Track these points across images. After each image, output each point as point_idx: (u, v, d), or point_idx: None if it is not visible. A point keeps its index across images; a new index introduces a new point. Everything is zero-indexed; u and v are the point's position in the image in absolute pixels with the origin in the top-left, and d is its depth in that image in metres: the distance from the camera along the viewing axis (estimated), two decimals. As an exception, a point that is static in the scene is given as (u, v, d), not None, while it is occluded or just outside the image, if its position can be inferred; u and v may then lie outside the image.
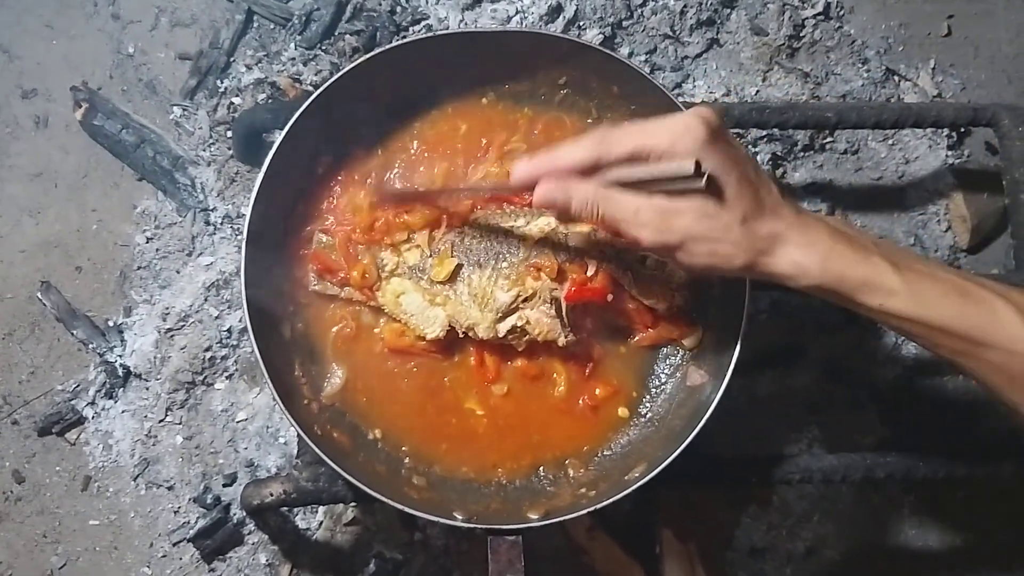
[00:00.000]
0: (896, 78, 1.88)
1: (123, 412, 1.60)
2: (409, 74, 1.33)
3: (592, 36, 1.74)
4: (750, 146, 1.76)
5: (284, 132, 1.24)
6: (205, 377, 1.61)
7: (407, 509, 1.18)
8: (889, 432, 1.73)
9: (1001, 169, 1.57)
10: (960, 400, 1.78)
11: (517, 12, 1.72)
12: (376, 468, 1.28)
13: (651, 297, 1.31)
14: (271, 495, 1.33)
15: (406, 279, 1.31)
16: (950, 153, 1.83)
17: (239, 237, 1.37)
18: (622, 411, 1.35)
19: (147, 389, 1.60)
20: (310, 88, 1.64)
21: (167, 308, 1.61)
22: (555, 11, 1.73)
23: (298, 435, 1.22)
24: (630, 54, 1.78)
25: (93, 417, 1.60)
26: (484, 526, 1.21)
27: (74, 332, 1.61)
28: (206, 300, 1.61)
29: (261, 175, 1.23)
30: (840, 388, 1.74)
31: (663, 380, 1.37)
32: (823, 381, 1.74)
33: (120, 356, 1.60)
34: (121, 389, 1.61)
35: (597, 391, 1.34)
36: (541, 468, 1.33)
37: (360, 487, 1.18)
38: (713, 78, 1.82)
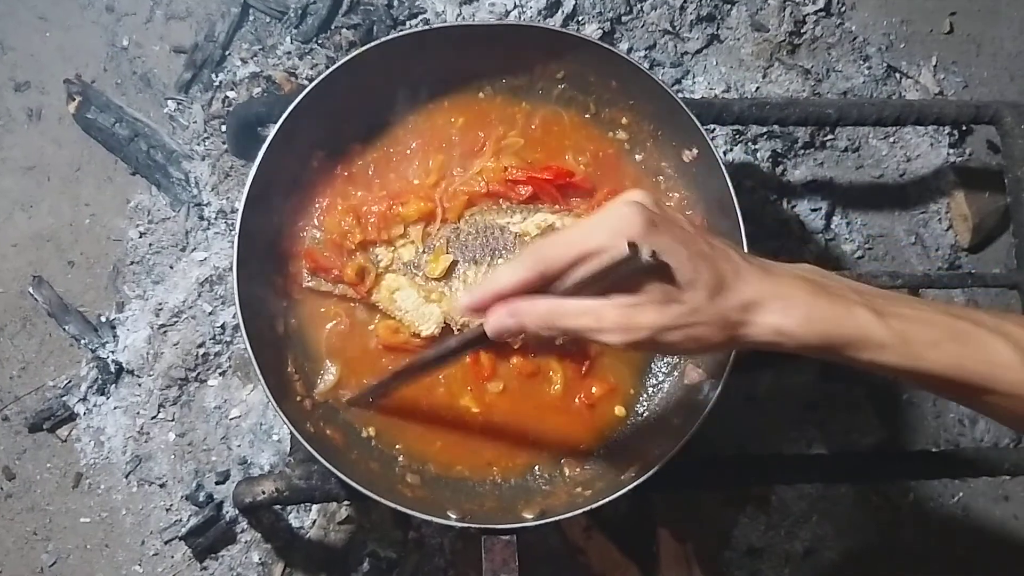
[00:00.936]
0: (897, 75, 1.86)
1: (115, 408, 1.58)
2: (405, 68, 1.32)
3: (591, 31, 1.73)
4: (750, 143, 1.74)
5: (278, 126, 1.22)
6: (198, 373, 1.59)
7: (400, 508, 1.16)
8: (888, 432, 1.72)
9: (1003, 167, 1.56)
10: (960, 400, 1.76)
11: (515, 6, 1.70)
12: (369, 466, 1.27)
13: (649, 293, 1.29)
14: (263, 493, 1.32)
15: (401, 275, 1.30)
16: (952, 151, 1.82)
17: (233, 232, 1.35)
18: (619, 410, 1.33)
19: (139, 385, 1.59)
20: (305, 82, 1.63)
21: (160, 304, 1.59)
22: (554, 6, 1.72)
23: (290, 432, 1.21)
24: (629, 50, 1.76)
25: (85, 413, 1.58)
26: (478, 525, 1.20)
27: (66, 327, 1.60)
28: (199, 296, 1.59)
29: (254, 169, 1.22)
30: (838, 387, 1.72)
31: (660, 378, 1.36)
32: (821, 380, 1.72)
33: (112, 352, 1.59)
34: (113, 385, 1.59)
35: (594, 389, 1.33)
36: (536, 467, 1.32)
37: (353, 485, 1.16)
38: (713, 74, 1.80)
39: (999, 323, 0.90)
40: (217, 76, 1.68)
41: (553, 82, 1.38)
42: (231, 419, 1.59)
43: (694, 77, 1.80)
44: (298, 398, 1.27)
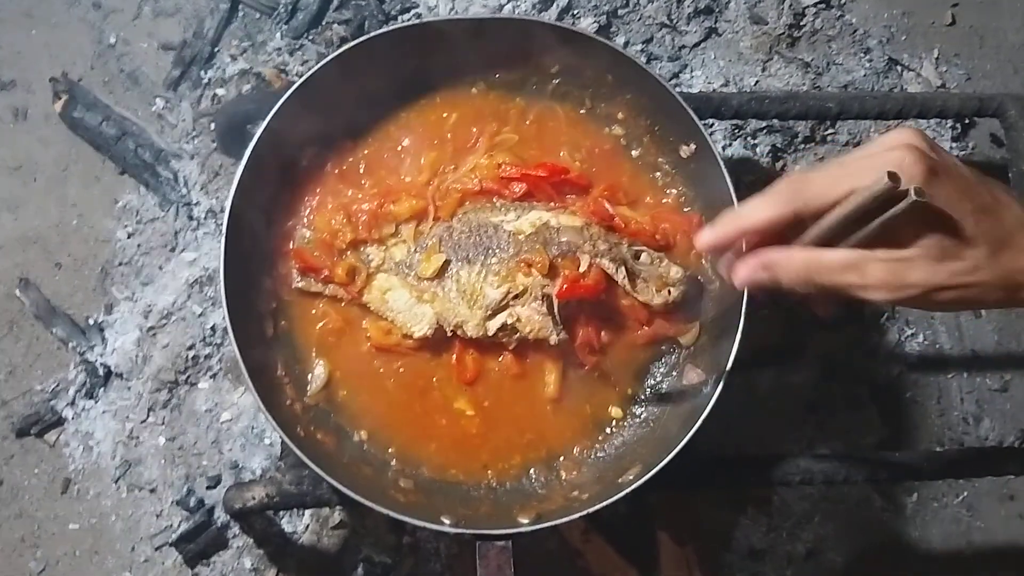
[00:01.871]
0: (899, 68, 1.83)
1: (104, 413, 1.55)
2: (396, 63, 1.29)
3: (587, 25, 1.70)
4: (749, 137, 1.71)
5: (265, 122, 1.20)
6: (188, 376, 1.56)
7: (392, 513, 1.14)
8: (890, 432, 1.69)
9: (1007, 161, 1.53)
10: (964, 399, 1.73)
11: (509, 0, 1.67)
12: (362, 470, 1.24)
13: (646, 293, 1.26)
14: (253, 499, 1.29)
15: (392, 275, 1.27)
16: (955, 145, 1.79)
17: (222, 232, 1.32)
18: (615, 410, 1.30)
19: (128, 389, 1.56)
20: (296, 79, 1.59)
21: (149, 305, 1.56)
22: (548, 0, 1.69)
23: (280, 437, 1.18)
24: (626, 44, 1.73)
25: (73, 418, 1.55)
26: (472, 531, 1.17)
27: (53, 330, 1.57)
28: (189, 297, 1.56)
29: (241, 167, 1.19)
30: (840, 387, 1.69)
31: (659, 379, 1.33)
32: (823, 379, 1.69)
33: (101, 355, 1.56)
34: (102, 389, 1.56)
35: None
36: (532, 470, 1.29)
37: (344, 491, 1.14)
38: (711, 68, 1.77)
39: None
40: (206, 73, 1.65)
41: (547, 77, 1.35)
42: (222, 422, 1.56)
43: (692, 71, 1.77)
44: (288, 401, 1.24)
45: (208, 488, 1.55)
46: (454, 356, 1.27)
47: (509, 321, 1.23)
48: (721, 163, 1.23)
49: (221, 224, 1.53)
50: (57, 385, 1.56)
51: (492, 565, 1.17)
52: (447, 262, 1.25)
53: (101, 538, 1.55)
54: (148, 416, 1.56)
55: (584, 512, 1.18)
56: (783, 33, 1.79)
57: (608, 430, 1.31)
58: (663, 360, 1.33)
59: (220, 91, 1.62)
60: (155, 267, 1.59)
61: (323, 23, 1.69)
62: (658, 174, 1.36)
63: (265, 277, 1.26)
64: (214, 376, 1.57)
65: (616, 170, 1.36)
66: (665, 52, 1.76)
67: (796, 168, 1.75)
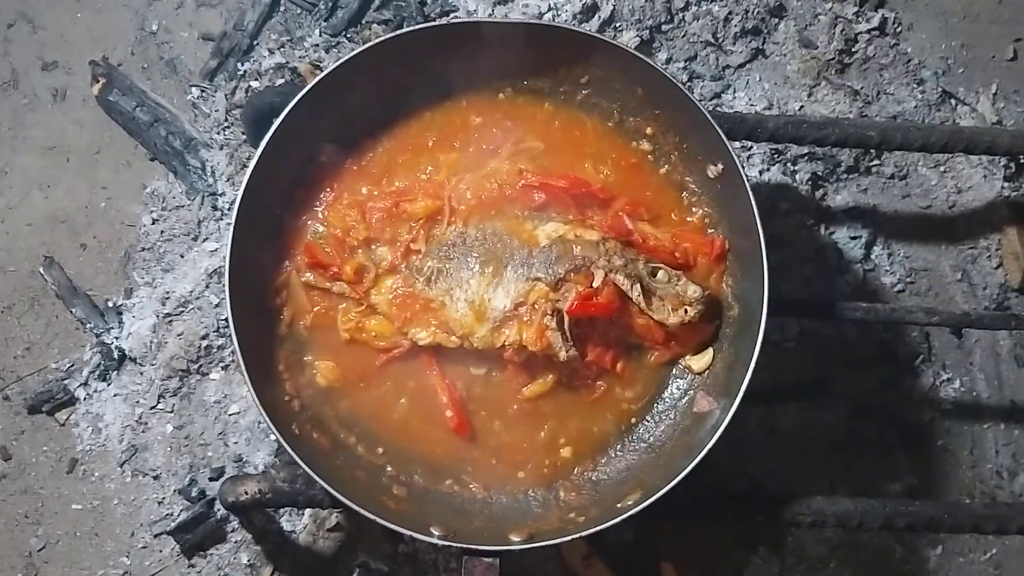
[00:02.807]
0: (953, 101, 1.76)
1: (115, 396, 1.56)
2: (423, 63, 1.27)
3: (628, 39, 1.66)
4: (789, 163, 1.66)
5: (282, 116, 1.19)
6: (200, 366, 1.56)
7: (379, 519, 1.11)
8: (918, 480, 1.61)
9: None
10: (1000, 451, 1.65)
11: (549, 9, 1.65)
12: (355, 474, 1.22)
13: (661, 311, 1.22)
14: (246, 493, 1.27)
15: (401, 278, 1.24)
16: (1006, 184, 1.71)
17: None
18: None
19: (141, 374, 1.56)
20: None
21: (168, 292, 1.56)
22: (590, 10, 1.66)
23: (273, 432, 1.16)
24: (668, 60, 1.69)
25: (85, 398, 1.56)
26: (460, 544, 1.14)
27: (73, 310, 1.58)
28: (207, 287, 1.56)
29: (257, 155, 1.18)
30: (868, 428, 1.62)
31: (670, 403, 1.28)
32: (850, 419, 1.62)
33: (117, 338, 1.56)
34: (115, 372, 1.56)
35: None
36: (531, 489, 1.25)
37: (332, 492, 1.11)
38: (755, 90, 1.72)
39: None
40: (243, 65, 1.65)
41: (577, 87, 1.32)
42: (230, 415, 1.55)
43: (735, 92, 1.72)
44: (286, 397, 1.22)
45: (211, 479, 1.54)
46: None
47: (516, 338, 1.20)
48: (748, 186, 1.18)
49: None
50: (72, 365, 1.57)
51: (478, 582, 1.14)
52: (457, 269, 1.23)
53: (102, 521, 1.55)
54: (158, 403, 1.55)
55: (578, 535, 1.14)
56: (833, 59, 1.73)
57: (611, 452, 1.27)
58: (675, 385, 1.29)
59: (255, 83, 1.62)
60: (177, 255, 1.59)
61: (363, 22, 1.68)
62: (684, 193, 1.32)
63: (273, 271, 1.25)
64: (225, 368, 1.56)
65: (641, 185, 1.32)
66: (708, 71, 1.71)
67: (838, 197, 1.69)
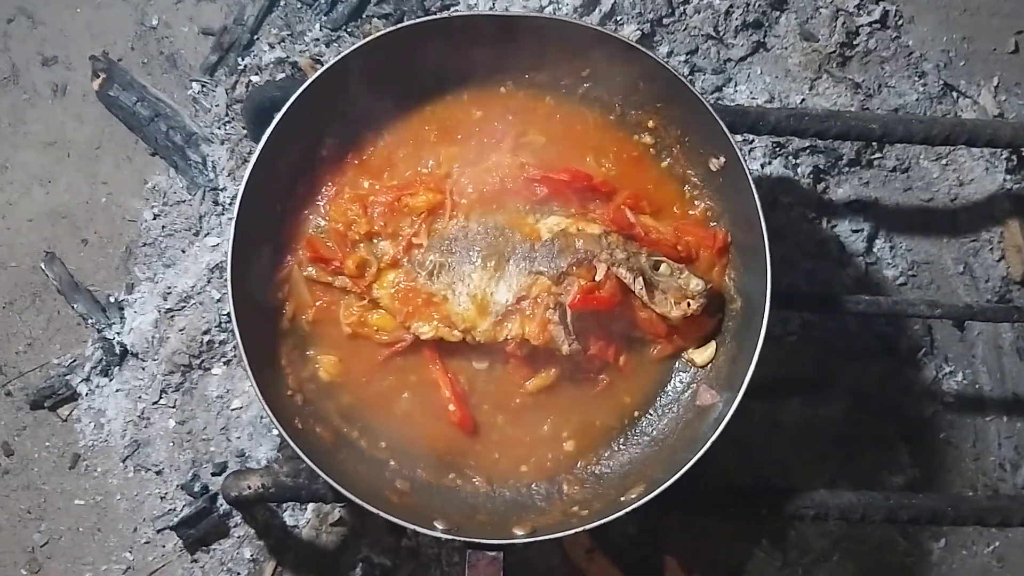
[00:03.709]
0: (954, 94, 1.75)
1: (117, 391, 1.56)
2: (424, 57, 1.27)
3: (629, 32, 1.66)
4: (791, 156, 1.66)
5: (283, 110, 1.18)
6: (202, 361, 1.56)
7: (382, 513, 1.11)
8: (921, 473, 1.61)
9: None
10: (1003, 444, 1.65)
11: (550, 2, 1.64)
12: (357, 468, 1.21)
13: (664, 305, 1.22)
14: (249, 488, 1.27)
15: (403, 273, 1.24)
16: (1008, 177, 1.71)
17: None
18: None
19: (143, 369, 1.56)
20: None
21: (169, 287, 1.56)
22: (591, 3, 1.65)
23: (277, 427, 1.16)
24: (669, 53, 1.69)
25: (87, 394, 1.56)
26: (463, 539, 1.14)
27: (75, 306, 1.58)
28: (209, 282, 1.56)
29: (257, 153, 1.18)
30: (871, 421, 1.62)
31: (673, 397, 1.28)
32: (853, 413, 1.62)
33: (118, 333, 1.56)
34: (117, 367, 1.56)
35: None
36: (534, 483, 1.25)
37: (335, 486, 1.11)
38: (757, 83, 1.72)
39: None
40: (243, 60, 1.65)
41: (578, 80, 1.31)
42: (232, 410, 1.55)
43: (736, 85, 1.71)
44: (289, 392, 1.22)
45: (213, 474, 1.54)
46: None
47: (519, 331, 1.20)
48: (750, 179, 1.18)
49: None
50: (74, 360, 1.57)
51: (482, 575, 1.14)
52: (459, 262, 1.22)
53: (105, 516, 1.55)
54: (160, 398, 1.55)
55: (581, 528, 1.14)
56: (834, 51, 1.73)
57: (614, 446, 1.27)
58: (678, 378, 1.29)
59: (255, 78, 1.62)
60: (178, 250, 1.59)
61: (363, 16, 1.68)
62: (686, 186, 1.32)
63: (275, 265, 1.25)
64: (228, 363, 1.56)
65: (643, 178, 1.32)
66: (710, 64, 1.71)
67: (839, 190, 1.69)
